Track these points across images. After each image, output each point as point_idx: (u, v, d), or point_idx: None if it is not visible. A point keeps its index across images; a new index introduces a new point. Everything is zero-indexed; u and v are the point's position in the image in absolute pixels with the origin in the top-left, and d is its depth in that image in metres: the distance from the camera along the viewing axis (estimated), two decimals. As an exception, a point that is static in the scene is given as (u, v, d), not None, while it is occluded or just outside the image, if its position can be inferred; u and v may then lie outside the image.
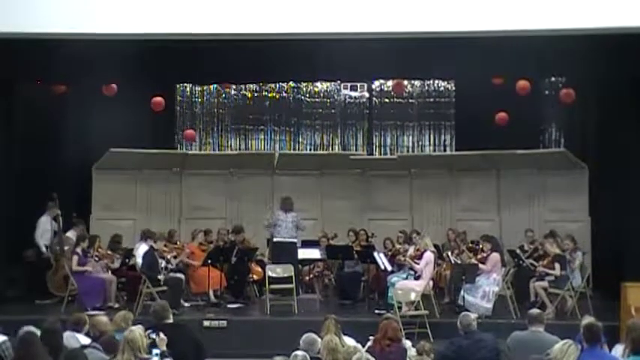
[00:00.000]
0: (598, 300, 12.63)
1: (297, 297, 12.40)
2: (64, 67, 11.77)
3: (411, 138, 17.35)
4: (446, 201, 15.81)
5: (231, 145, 17.41)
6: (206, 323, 11.40)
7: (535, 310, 8.38)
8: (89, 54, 11.08)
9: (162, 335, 6.89)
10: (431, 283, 12.27)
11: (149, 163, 15.65)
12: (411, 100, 17.28)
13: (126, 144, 14.91)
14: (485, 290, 11.79)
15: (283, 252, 12.83)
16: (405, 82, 15.98)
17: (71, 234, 13.58)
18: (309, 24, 10.27)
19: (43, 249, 13.23)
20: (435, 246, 13.02)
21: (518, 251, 13.22)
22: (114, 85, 13.39)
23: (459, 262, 12.61)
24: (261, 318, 12.11)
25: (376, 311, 11.82)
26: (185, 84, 16.87)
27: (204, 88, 17.20)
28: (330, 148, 17.39)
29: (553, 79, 15.43)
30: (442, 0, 10.35)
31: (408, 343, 8.42)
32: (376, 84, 17.20)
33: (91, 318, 8.03)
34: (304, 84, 17.14)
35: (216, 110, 17.44)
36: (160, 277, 12.06)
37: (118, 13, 10.30)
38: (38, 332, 6.67)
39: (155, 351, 6.68)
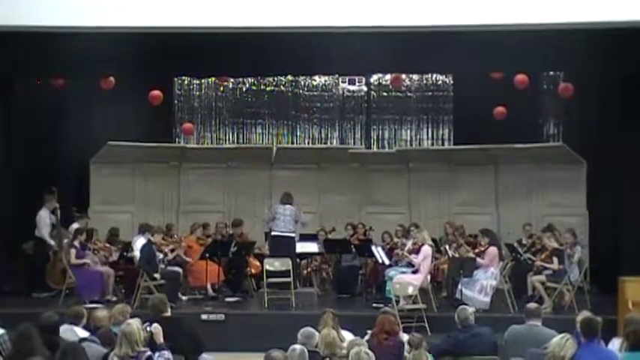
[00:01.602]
0: (595, 294, 12.67)
1: (295, 291, 12.40)
2: (61, 60, 11.74)
3: (409, 132, 17.31)
4: (444, 195, 15.80)
5: (229, 139, 17.36)
6: (204, 317, 11.40)
7: (532, 304, 8.40)
8: (87, 47, 11.04)
9: (156, 327, 6.88)
10: (429, 276, 12.27)
11: (147, 157, 15.63)
12: (409, 94, 17.23)
13: (124, 138, 14.92)
14: (483, 284, 11.80)
15: (281, 246, 12.82)
16: (404, 76, 15.97)
17: (75, 227, 13.56)
18: (307, 17, 10.27)
19: (52, 242, 13.22)
20: (433, 240, 13.02)
21: (516, 245, 13.23)
22: (112, 79, 13.37)
23: (456, 256, 12.62)
24: (259, 312, 12.11)
25: (374, 305, 11.85)
26: (183, 77, 16.83)
27: (202, 81, 17.16)
28: (329, 142, 17.36)
29: (551, 73, 15.40)
30: (440, -6, 10.36)
31: (405, 337, 8.43)
32: (374, 78, 17.15)
33: (92, 312, 8.04)
34: (302, 78, 17.09)
35: (214, 104, 17.41)
36: (157, 275, 12.05)
37: (115, 6, 10.29)
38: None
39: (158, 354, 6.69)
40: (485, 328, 8.25)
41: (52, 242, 13.24)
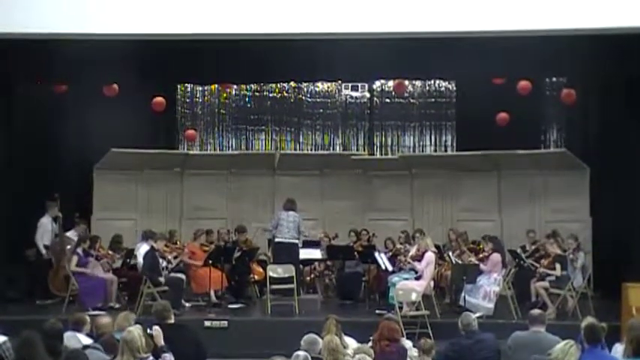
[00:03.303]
0: (599, 300, 12.63)
1: (298, 297, 12.40)
2: (64, 67, 11.77)
3: (412, 138, 17.34)
4: (447, 201, 15.80)
5: (232, 146, 17.40)
6: (207, 323, 11.39)
7: (536, 311, 8.38)
8: (90, 54, 11.07)
9: (156, 330, 6.86)
10: (432, 283, 12.27)
11: (150, 164, 15.65)
12: (412, 101, 17.27)
13: (127, 144, 14.92)
14: (487, 290, 11.79)
15: (285, 252, 12.83)
16: (406, 83, 15.95)
17: (72, 234, 13.58)
18: (310, 24, 10.27)
19: (43, 251, 13.20)
20: (436, 246, 13.02)
21: (519, 251, 13.22)
22: (115, 86, 13.39)
23: (459, 262, 12.61)
24: (262, 318, 12.11)
25: (377, 311, 11.82)
26: (186, 84, 16.86)
27: (205, 88, 17.20)
28: (331, 148, 17.38)
29: (554, 79, 15.41)
30: (443, 0, 10.35)
31: (408, 343, 8.42)
32: (377, 84, 17.18)
33: (96, 319, 8.03)
34: (305, 84, 17.12)
35: (217, 110, 17.44)
36: (161, 279, 12.06)
37: (119, 13, 10.31)
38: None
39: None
40: (489, 335, 8.23)
41: (44, 251, 13.21)
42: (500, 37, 10.45)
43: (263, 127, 17.45)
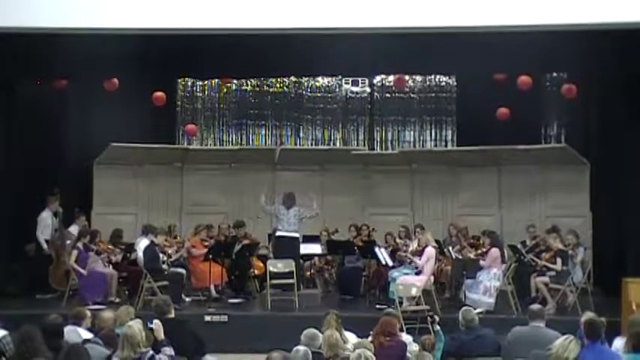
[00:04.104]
0: (599, 295, 12.65)
1: (298, 292, 12.40)
2: (64, 62, 11.75)
3: (412, 133, 17.31)
4: (447, 196, 15.80)
5: (232, 140, 17.37)
6: (207, 318, 11.42)
7: (536, 306, 8.39)
8: (90, 49, 11.04)
9: (156, 324, 6.86)
10: (432, 278, 12.28)
11: (150, 158, 15.65)
12: (412, 96, 17.23)
13: (127, 139, 14.93)
14: (487, 285, 11.79)
15: (285, 246, 12.85)
16: (407, 77, 15.94)
17: (73, 229, 13.59)
18: (310, 19, 10.24)
19: (44, 245, 13.19)
20: (437, 241, 13.02)
21: (519, 246, 13.21)
22: (115, 80, 13.38)
23: (460, 257, 12.61)
24: (262, 313, 12.11)
25: (377, 306, 11.84)
26: (186, 79, 16.85)
27: (206, 82, 17.17)
28: (332, 143, 17.37)
29: (555, 74, 15.38)
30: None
31: (409, 338, 8.42)
32: (377, 79, 17.15)
33: (98, 313, 8.04)
34: (305, 79, 17.09)
35: (217, 105, 17.42)
36: (165, 266, 12.10)
37: (119, 7, 10.28)
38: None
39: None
40: (489, 330, 8.24)
41: (45, 246, 13.18)
42: (501, 32, 10.41)
43: (263, 122, 17.42)
